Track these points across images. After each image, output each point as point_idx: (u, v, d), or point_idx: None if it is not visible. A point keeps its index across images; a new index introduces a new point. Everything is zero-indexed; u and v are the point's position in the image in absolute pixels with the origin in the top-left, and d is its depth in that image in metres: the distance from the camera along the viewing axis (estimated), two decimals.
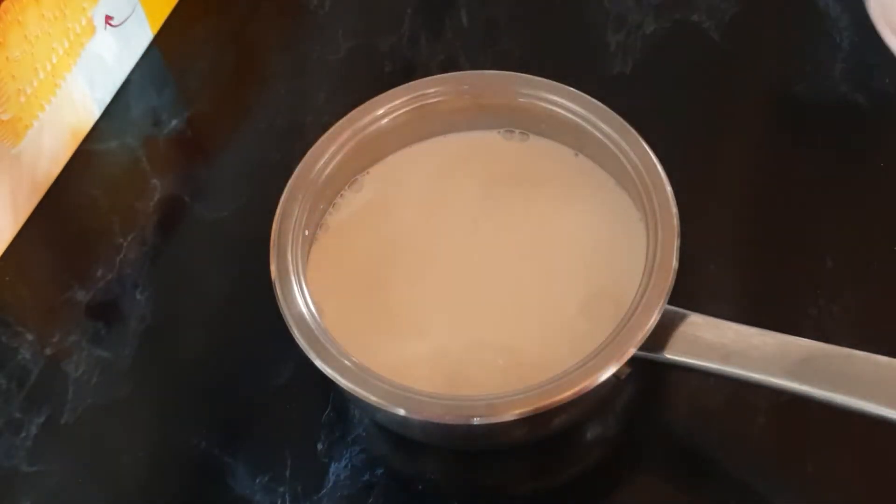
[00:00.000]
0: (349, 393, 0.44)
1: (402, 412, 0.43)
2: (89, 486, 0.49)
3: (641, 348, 0.44)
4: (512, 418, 0.43)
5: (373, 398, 0.43)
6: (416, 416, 0.43)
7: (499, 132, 0.53)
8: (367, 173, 0.53)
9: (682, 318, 0.45)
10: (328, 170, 0.51)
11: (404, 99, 0.52)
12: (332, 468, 0.48)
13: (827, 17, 0.61)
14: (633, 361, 0.44)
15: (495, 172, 0.53)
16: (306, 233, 0.49)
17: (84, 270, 0.55)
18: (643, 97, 0.59)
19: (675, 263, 0.45)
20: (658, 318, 0.44)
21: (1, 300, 0.55)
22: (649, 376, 0.49)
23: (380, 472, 0.48)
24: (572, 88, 0.51)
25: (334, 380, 0.44)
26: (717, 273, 0.52)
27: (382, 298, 0.49)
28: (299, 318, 0.46)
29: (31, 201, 0.58)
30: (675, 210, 0.47)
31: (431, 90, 0.52)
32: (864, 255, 0.52)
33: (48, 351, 0.53)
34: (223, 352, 0.53)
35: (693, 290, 0.48)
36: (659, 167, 0.48)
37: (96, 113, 0.61)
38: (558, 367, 0.46)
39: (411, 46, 0.63)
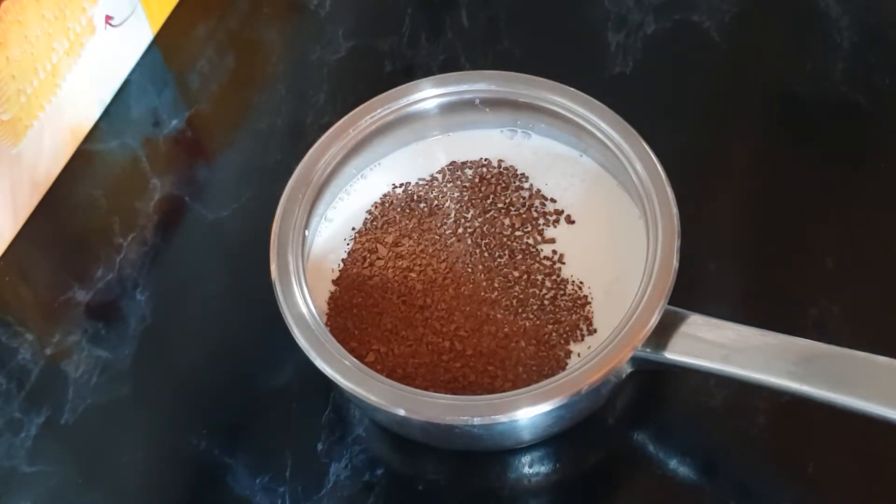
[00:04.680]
0: (349, 393, 0.44)
1: (402, 412, 0.43)
2: (89, 486, 0.49)
3: (642, 348, 0.44)
4: (512, 418, 0.43)
5: (373, 398, 0.44)
6: (416, 417, 0.43)
7: (501, 131, 0.54)
8: (368, 173, 0.53)
9: (683, 318, 0.45)
10: (329, 170, 0.51)
11: (404, 99, 0.52)
12: (333, 468, 0.48)
13: (827, 17, 0.61)
14: (634, 361, 0.44)
15: (495, 172, 0.53)
16: (306, 233, 0.49)
17: (84, 270, 0.55)
18: (644, 97, 0.59)
19: (675, 264, 0.45)
20: (659, 319, 0.44)
21: (1, 300, 0.55)
22: (650, 376, 0.49)
23: (380, 472, 0.48)
24: (573, 88, 0.51)
25: (334, 380, 0.44)
26: (718, 273, 0.52)
27: (383, 306, 0.49)
28: (299, 318, 0.46)
29: (31, 201, 0.58)
30: (675, 210, 0.47)
31: (431, 90, 0.52)
32: (864, 256, 0.52)
33: (48, 351, 0.53)
34: (223, 352, 0.53)
35: (693, 290, 0.48)
36: (659, 167, 0.48)
37: (96, 113, 0.61)
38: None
39: (411, 46, 0.63)
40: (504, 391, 0.45)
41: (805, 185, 0.55)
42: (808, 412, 0.46)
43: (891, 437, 0.45)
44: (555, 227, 0.50)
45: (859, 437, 0.46)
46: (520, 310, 0.48)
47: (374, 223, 0.51)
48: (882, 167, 0.56)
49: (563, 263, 0.49)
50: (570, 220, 0.51)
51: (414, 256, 0.50)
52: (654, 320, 0.44)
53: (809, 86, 0.59)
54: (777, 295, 0.52)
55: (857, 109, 0.58)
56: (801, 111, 0.58)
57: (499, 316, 0.48)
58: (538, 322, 0.47)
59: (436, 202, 0.52)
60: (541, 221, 0.50)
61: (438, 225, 0.51)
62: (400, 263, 0.50)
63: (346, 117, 0.52)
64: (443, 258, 0.50)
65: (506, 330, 0.47)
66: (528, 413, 0.43)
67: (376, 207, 0.52)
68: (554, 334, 0.47)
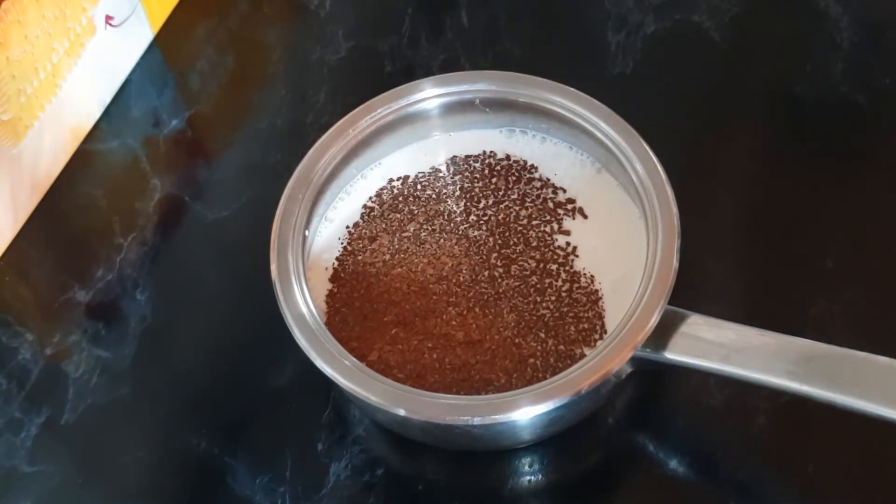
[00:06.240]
0: (349, 393, 0.44)
1: (402, 412, 0.43)
2: (89, 486, 0.49)
3: (642, 348, 0.44)
4: (511, 418, 0.43)
5: (373, 398, 0.44)
6: (416, 417, 0.43)
7: (500, 131, 0.54)
8: (368, 173, 0.53)
9: (683, 318, 0.45)
10: (329, 170, 0.51)
11: (405, 99, 0.52)
12: (333, 468, 0.48)
13: (827, 17, 0.61)
14: (634, 361, 0.44)
15: (504, 164, 0.53)
16: (306, 233, 0.49)
17: (84, 270, 0.55)
18: (644, 97, 0.59)
19: (675, 264, 0.45)
20: (658, 319, 0.44)
21: (1, 300, 0.55)
22: (650, 376, 0.49)
23: (380, 472, 0.48)
24: (573, 88, 0.51)
25: (334, 380, 0.44)
26: (718, 273, 0.52)
27: (388, 297, 0.49)
28: (299, 318, 0.46)
29: (31, 201, 0.58)
30: (675, 210, 0.47)
31: (431, 90, 0.52)
32: (864, 255, 0.52)
33: (48, 351, 0.53)
34: (223, 351, 0.53)
35: (693, 290, 0.48)
36: (659, 167, 0.48)
37: (97, 113, 0.61)
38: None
39: (411, 46, 0.63)
40: (517, 388, 0.45)
41: (805, 184, 0.55)
42: (808, 412, 0.46)
43: (891, 437, 0.45)
44: (572, 218, 0.50)
45: (859, 437, 0.46)
46: (538, 299, 0.48)
47: (374, 213, 0.51)
48: (882, 167, 0.56)
49: (577, 256, 0.49)
50: (583, 214, 0.51)
51: (421, 242, 0.50)
52: (654, 320, 0.44)
53: (809, 86, 0.59)
54: (777, 295, 0.52)
55: (857, 109, 0.58)
56: (801, 111, 0.58)
57: (519, 305, 0.48)
58: (556, 314, 0.47)
59: (443, 191, 0.52)
60: (560, 212, 0.50)
61: (447, 212, 0.51)
62: (407, 248, 0.50)
63: (346, 117, 0.52)
64: (454, 242, 0.50)
65: (527, 318, 0.47)
66: (528, 413, 0.43)
67: (373, 200, 0.52)
68: (572, 328, 0.47)
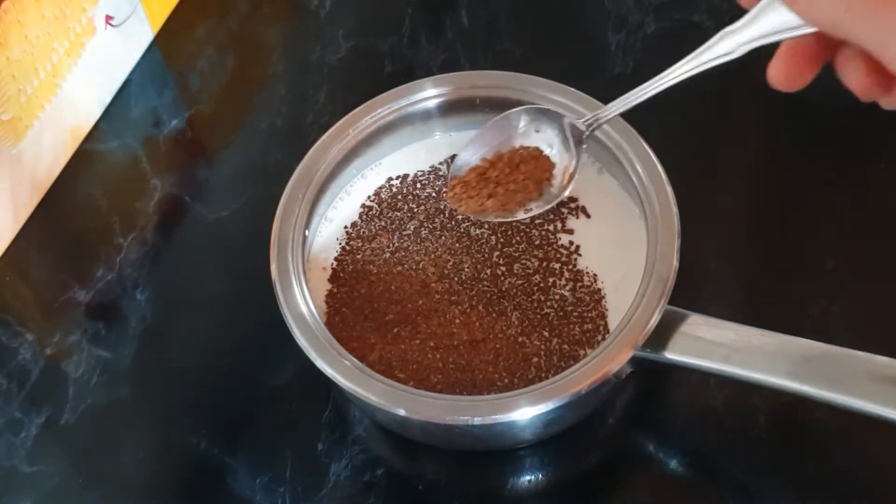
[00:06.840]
0: (349, 393, 0.44)
1: (402, 412, 0.43)
2: (89, 486, 0.49)
3: (642, 348, 0.44)
4: (511, 418, 0.43)
5: (373, 398, 0.44)
6: (416, 417, 0.43)
7: None
8: (369, 173, 0.53)
9: (683, 318, 0.45)
10: (329, 170, 0.51)
11: (405, 99, 0.52)
12: (333, 468, 0.48)
13: None
14: (634, 361, 0.44)
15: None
16: (306, 233, 0.49)
17: (84, 270, 0.56)
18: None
19: (675, 264, 0.45)
20: (659, 318, 0.44)
21: (1, 300, 0.55)
22: (650, 376, 0.49)
23: (380, 472, 0.48)
24: (573, 88, 0.51)
25: (334, 380, 0.44)
26: (718, 273, 0.52)
27: (389, 296, 0.49)
28: (299, 318, 0.46)
29: (31, 201, 0.58)
30: (675, 210, 0.47)
31: (431, 90, 0.52)
32: (864, 256, 0.52)
33: (48, 351, 0.53)
34: (223, 352, 0.53)
35: (693, 290, 0.48)
36: (660, 167, 0.48)
37: (97, 113, 0.61)
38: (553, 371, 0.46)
39: (411, 46, 0.63)
40: (519, 388, 0.45)
41: (805, 185, 0.55)
42: (808, 412, 0.46)
43: (891, 437, 0.45)
44: (576, 217, 0.50)
45: (859, 437, 0.46)
46: (542, 298, 0.48)
47: (372, 212, 0.51)
48: (882, 167, 0.56)
49: (580, 255, 0.49)
50: (586, 213, 0.51)
51: (422, 240, 0.50)
52: (654, 320, 0.44)
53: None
54: (777, 295, 0.52)
55: (857, 109, 0.58)
56: (801, 111, 0.58)
57: (523, 303, 0.48)
58: (561, 313, 0.47)
59: (443, 189, 0.52)
60: (563, 210, 0.50)
61: (447, 210, 0.51)
62: (408, 246, 0.50)
63: (346, 117, 0.52)
64: (455, 240, 0.50)
65: (531, 317, 0.47)
66: (528, 413, 0.43)
67: (371, 199, 0.52)
68: (577, 328, 0.47)
